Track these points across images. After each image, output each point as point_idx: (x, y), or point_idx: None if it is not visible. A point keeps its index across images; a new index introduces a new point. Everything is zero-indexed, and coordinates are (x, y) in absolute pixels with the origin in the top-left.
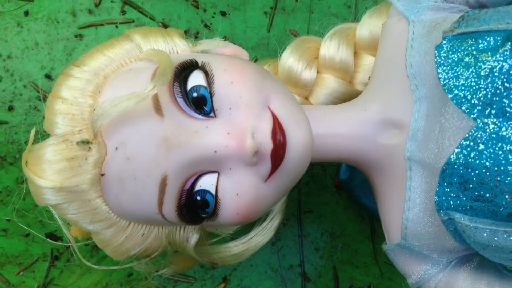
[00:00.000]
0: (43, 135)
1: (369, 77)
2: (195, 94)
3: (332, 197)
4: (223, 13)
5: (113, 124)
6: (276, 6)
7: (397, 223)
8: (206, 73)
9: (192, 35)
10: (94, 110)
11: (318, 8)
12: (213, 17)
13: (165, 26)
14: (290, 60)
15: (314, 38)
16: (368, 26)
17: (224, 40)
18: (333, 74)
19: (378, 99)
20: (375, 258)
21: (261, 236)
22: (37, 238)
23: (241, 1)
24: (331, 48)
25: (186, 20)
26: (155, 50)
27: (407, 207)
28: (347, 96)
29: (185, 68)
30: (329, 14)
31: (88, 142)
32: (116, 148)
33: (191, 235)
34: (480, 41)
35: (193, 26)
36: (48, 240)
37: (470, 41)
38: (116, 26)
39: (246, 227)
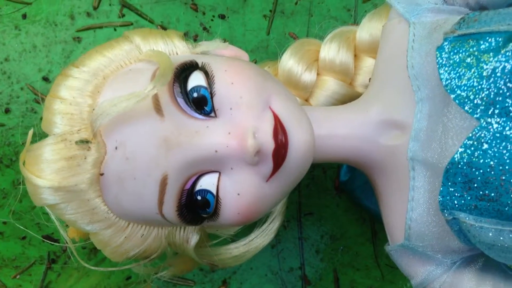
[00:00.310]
0: (40, 137)
1: (370, 78)
2: (195, 95)
3: (333, 199)
4: (222, 16)
5: (112, 124)
6: (276, 9)
7: (401, 224)
8: (207, 74)
9: (191, 38)
10: (94, 110)
11: (317, 11)
12: (212, 20)
13: (164, 29)
14: (290, 62)
15: (314, 41)
16: (368, 29)
17: (224, 42)
18: (333, 76)
19: (379, 100)
20: (376, 261)
21: (261, 238)
22: (34, 241)
23: (240, 4)
24: (331, 50)
25: (185, 23)
26: (155, 51)
27: (410, 207)
28: (347, 98)
29: (185, 69)
30: (328, 17)
31: (87, 142)
32: (116, 148)
33: (191, 236)
34: (482, 42)
35: (192, 29)
36: (46, 242)
37: (471, 42)
38: (115, 29)
39: (246, 229)
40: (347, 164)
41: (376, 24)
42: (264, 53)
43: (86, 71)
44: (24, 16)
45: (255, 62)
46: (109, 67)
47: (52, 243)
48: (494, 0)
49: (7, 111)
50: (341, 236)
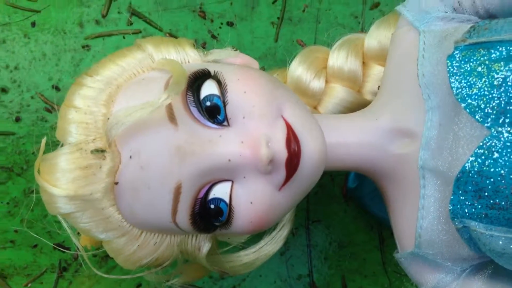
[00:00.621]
0: (52, 145)
1: (379, 86)
2: (208, 103)
3: (340, 206)
4: (230, 24)
5: (127, 133)
6: (283, 16)
7: (411, 232)
8: (219, 83)
9: (199, 45)
10: (108, 119)
11: (325, 18)
12: (220, 27)
13: (173, 36)
14: (299, 69)
15: (323, 48)
16: (376, 36)
17: (235, 50)
18: (341, 83)
19: (389, 109)
20: (384, 268)
21: (271, 245)
22: (45, 249)
23: (248, 11)
24: (339, 58)
25: (193, 31)
26: (167, 60)
27: (420, 216)
28: (356, 105)
29: (198, 78)
30: (336, 24)
31: (102, 151)
32: (130, 157)
33: (203, 244)
34: (493, 51)
35: (200, 36)
36: (57, 249)
37: (482, 51)
38: (123, 37)
39: (255, 236)
40: (357, 172)
41: (385, 32)
42: (272, 60)
43: (100, 80)
44: (33, 24)
45: (263, 70)
46: (122, 75)
47: (64, 251)
48: (504, 9)
49: (17, 119)
50: (349, 243)
